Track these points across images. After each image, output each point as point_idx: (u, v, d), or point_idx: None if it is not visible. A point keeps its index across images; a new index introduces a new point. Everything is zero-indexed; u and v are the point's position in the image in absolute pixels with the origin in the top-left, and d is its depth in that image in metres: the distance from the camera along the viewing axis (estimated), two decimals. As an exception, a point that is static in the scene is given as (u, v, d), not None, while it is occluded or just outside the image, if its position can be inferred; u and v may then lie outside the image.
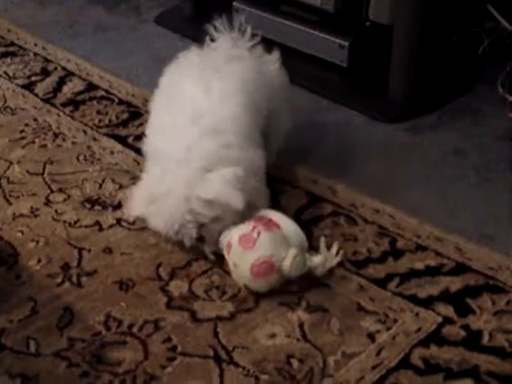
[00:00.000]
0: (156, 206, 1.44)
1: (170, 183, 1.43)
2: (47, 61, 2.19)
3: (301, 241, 1.43)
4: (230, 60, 1.61)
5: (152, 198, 1.45)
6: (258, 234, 1.39)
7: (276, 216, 1.44)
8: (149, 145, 1.57)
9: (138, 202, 1.48)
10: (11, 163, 1.77)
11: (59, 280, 1.45)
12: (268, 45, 1.68)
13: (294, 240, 1.42)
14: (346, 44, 2.05)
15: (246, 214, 1.45)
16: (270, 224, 1.41)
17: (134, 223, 1.58)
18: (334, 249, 1.49)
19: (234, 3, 2.25)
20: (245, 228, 1.41)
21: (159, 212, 1.45)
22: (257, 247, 1.39)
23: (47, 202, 1.65)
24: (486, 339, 1.34)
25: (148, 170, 1.53)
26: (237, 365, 1.29)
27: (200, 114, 1.49)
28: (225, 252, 1.44)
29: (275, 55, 1.69)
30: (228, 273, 1.46)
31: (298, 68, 2.14)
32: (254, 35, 1.66)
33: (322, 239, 1.50)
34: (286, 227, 1.43)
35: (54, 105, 2.00)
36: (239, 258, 1.40)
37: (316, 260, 1.42)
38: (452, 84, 2.08)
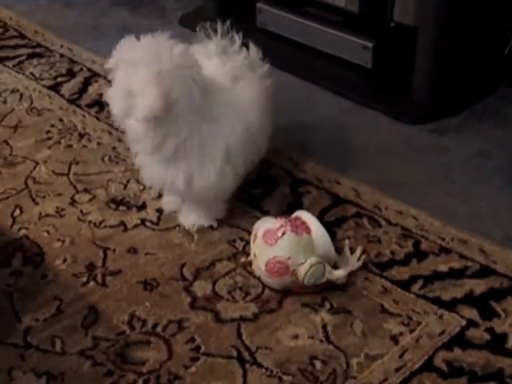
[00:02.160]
0: None
1: None
2: (73, 62, 2.21)
3: (327, 250, 1.43)
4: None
5: None
6: (283, 233, 1.40)
7: (311, 221, 1.44)
8: None
9: None
10: (37, 163, 1.79)
11: (84, 279, 1.47)
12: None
13: (320, 249, 1.42)
14: (371, 45, 2.05)
15: None
16: (301, 227, 1.42)
17: (158, 223, 1.60)
18: (358, 253, 1.49)
19: (258, 4, 2.26)
20: (273, 223, 1.43)
21: None
22: (277, 246, 1.40)
23: (73, 202, 1.67)
24: (510, 343, 1.33)
25: None
26: (260, 365, 1.30)
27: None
28: (251, 240, 1.46)
29: (257, 53, 1.62)
30: (251, 274, 1.46)
31: (322, 69, 2.14)
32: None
33: (347, 242, 1.50)
34: (316, 234, 1.43)
35: (79, 106, 2.01)
36: (260, 250, 1.42)
37: (337, 274, 1.42)
38: (477, 85, 2.07)
